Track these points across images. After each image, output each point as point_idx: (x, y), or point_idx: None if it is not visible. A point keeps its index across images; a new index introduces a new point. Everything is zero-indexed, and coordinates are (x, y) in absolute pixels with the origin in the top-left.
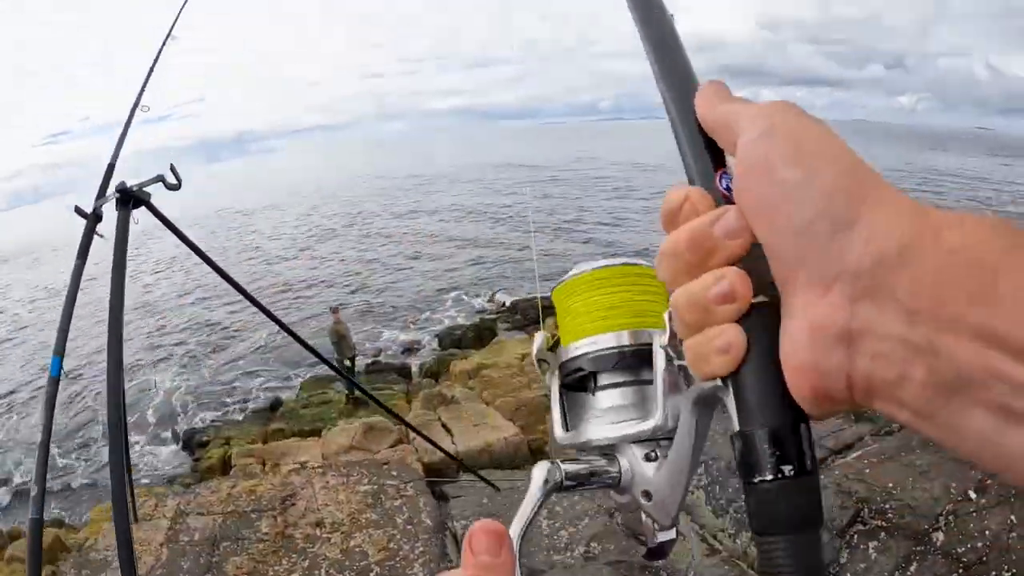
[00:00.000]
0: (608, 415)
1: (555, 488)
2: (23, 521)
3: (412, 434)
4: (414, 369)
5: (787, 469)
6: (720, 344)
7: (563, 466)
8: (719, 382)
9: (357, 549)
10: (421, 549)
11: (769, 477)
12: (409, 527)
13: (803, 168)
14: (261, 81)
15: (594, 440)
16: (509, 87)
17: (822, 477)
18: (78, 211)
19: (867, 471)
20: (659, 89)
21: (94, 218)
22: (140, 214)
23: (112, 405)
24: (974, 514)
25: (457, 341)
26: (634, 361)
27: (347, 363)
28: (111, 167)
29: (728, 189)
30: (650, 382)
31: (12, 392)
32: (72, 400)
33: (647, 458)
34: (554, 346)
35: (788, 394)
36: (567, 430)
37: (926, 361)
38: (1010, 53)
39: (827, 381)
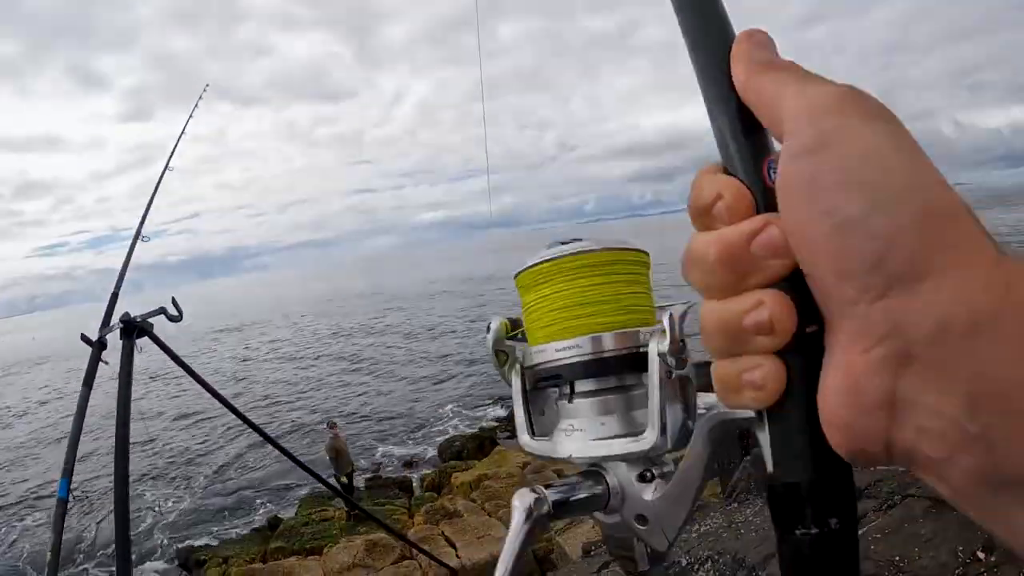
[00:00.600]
0: (592, 428)
1: (542, 520)
2: None
3: (415, 550)
4: (415, 483)
5: (833, 522)
6: (755, 378)
7: (548, 493)
8: (751, 413)
9: None
10: None
11: (814, 530)
12: None
13: (859, 201)
14: (252, 198)
15: (578, 458)
16: (493, 196)
17: None
18: (84, 339)
19: (872, 548)
20: (686, 45)
21: (99, 346)
22: (142, 342)
23: (119, 535)
24: (984, 574)
25: (458, 452)
26: (619, 362)
27: (344, 479)
28: (115, 296)
29: (772, 183)
30: (636, 386)
31: None
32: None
33: (642, 478)
34: (514, 335)
35: (827, 443)
36: (533, 435)
37: (981, 452)
38: (973, 108)
39: (863, 443)
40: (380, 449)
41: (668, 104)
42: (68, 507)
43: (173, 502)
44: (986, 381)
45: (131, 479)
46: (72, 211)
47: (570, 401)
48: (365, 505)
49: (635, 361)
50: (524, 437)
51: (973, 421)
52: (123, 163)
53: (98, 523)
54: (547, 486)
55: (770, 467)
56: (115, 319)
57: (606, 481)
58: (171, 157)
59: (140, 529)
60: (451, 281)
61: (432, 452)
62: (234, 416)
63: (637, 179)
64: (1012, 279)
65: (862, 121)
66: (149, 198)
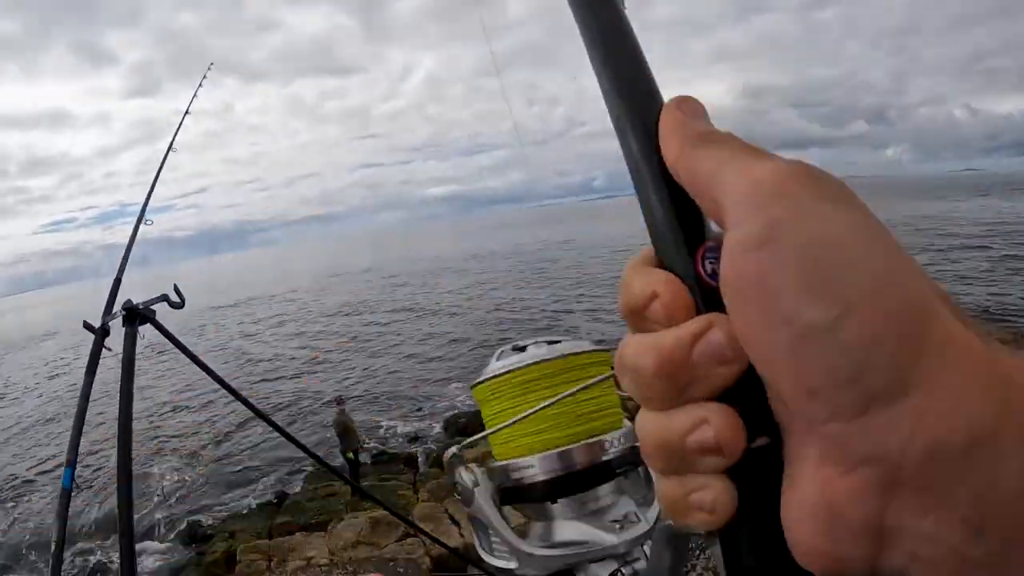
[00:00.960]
0: (569, 533)
1: None
2: None
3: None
4: (420, 458)
5: None
6: (703, 500)
7: None
8: (702, 532)
9: None
10: None
11: None
12: None
13: (825, 305)
14: (260, 173)
15: (553, 564)
16: (501, 172)
17: None
18: (86, 326)
19: None
20: (609, 113)
21: (102, 333)
22: (145, 329)
23: (123, 526)
24: None
25: (463, 429)
26: (589, 474)
27: (351, 455)
28: (117, 282)
29: (713, 275)
30: (600, 464)
31: None
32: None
33: None
34: (460, 454)
35: (791, 561)
36: (491, 552)
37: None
38: (985, 93)
39: (843, 568)
40: (385, 424)
41: (678, 83)
42: (72, 495)
43: (179, 478)
44: (990, 503)
45: (137, 456)
46: (79, 187)
47: (551, 519)
48: (371, 480)
49: (604, 471)
50: (500, 562)
51: (976, 547)
52: (130, 138)
53: (101, 503)
54: None
55: None
56: (118, 305)
57: None
58: (174, 138)
59: (145, 504)
60: (457, 258)
61: (437, 428)
62: (240, 402)
63: None
64: (1009, 381)
65: (816, 203)
66: (152, 180)
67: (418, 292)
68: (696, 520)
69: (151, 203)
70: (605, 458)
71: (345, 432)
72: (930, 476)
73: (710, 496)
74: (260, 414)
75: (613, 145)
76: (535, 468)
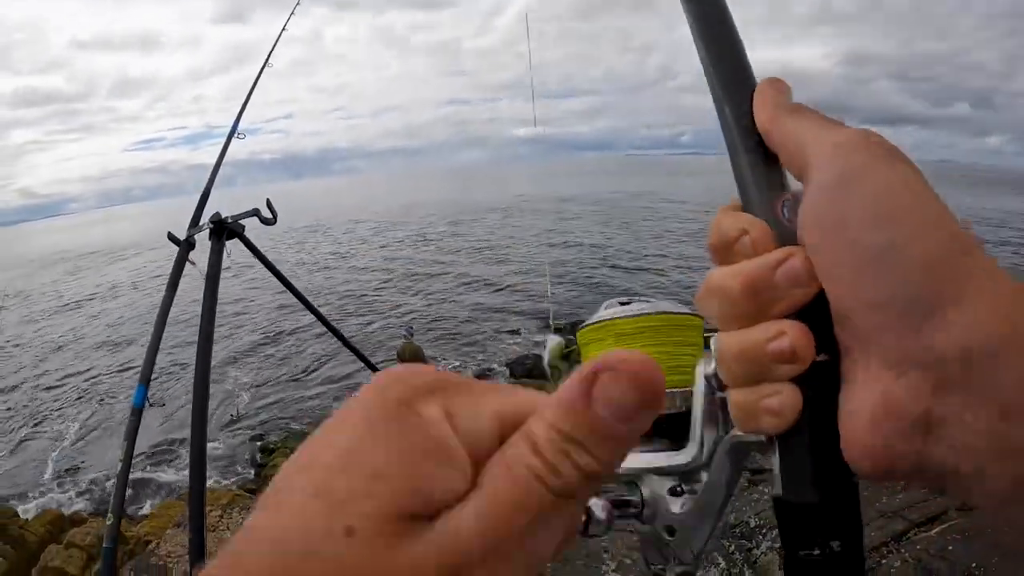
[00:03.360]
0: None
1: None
2: (81, 507)
3: None
4: None
5: (835, 544)
6: (773, 404)
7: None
8: (764, 438)
9: None
10: None
11: (816, 552)
12: None
13: (888, 233)
14: (344, 102)
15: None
16: (589, 118)
17: (903, 551)
18: (171, 238)
19: (950, 547)
20: (709, 87)
21: (187, 246)
22: (232, 244)
23: (196, 437)
24: None
25: (528, 371)
26: (669, 426)
27: None
28: (205, 195)
29: (790, 220)
30: (681, 413)
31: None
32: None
33: (672, 492)
34: (568, 354)
35: (842, 463)
36: None
37: (1013, 462)
38: None
39: (893, 463)
40: (451, 360)
41: (778, 41)
42: (143, 414)
43: (250, 396)
44: (1016, 394)
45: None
46: (168, 108)
47: None
48: None
49: (683, 420)
50: None
51: (1007, 430)
52: (219, 63)
53: (173, 419)
54: None
55: (779, 489)
56: (205, 218)
57: (639, 491)
58: (270, 54)
59: (214, 418)
60: (539, 199)
61: (503, 368)
62: (318, 320)
63: None
64: None
65: (884, 159)
66: (246, 95)
67: (499, 228)
68: (764, 423)
69: (242, 121)
70: (687, 407)
71: (413, 362)
72: (969, 370)
73: (778, 400)
74: (341, 337)
75: (704, 102)
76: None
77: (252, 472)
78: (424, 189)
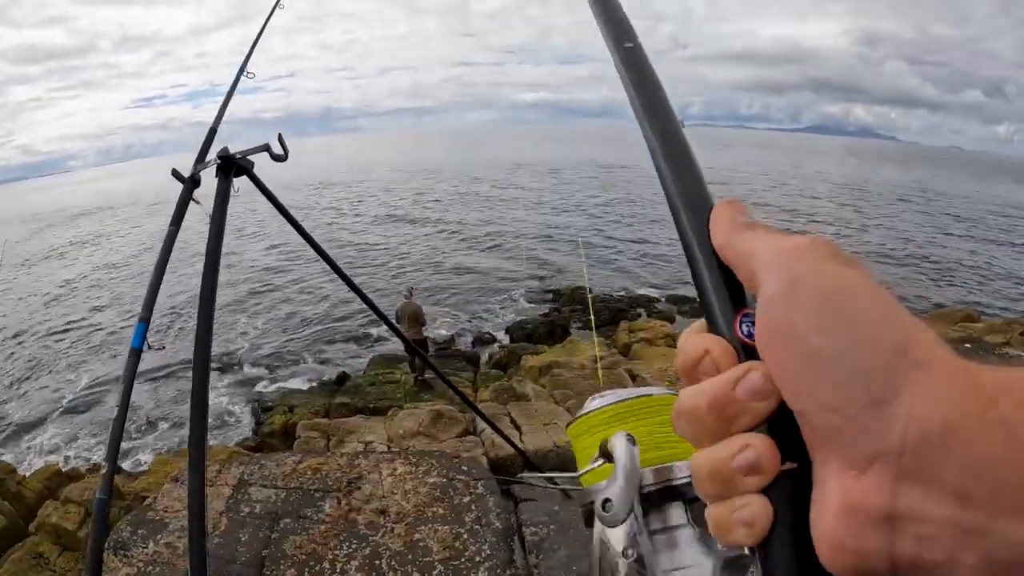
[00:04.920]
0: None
1: None
2: (75, 460)
3: (479, 426)
4: (483, 359)
5: None
6: (744, 517)
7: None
8: (745, 550)
9: (421, 544)
10: (488, 552)
11: None
12: (477, 527)
13: (834, 336)
14: (350, 61)
15: None
16: (596, 85)
17: None
18: (175, 175)
19: None
20: (671, 210)
21: (191, 183)
22: (239, 182)
23: (197, 383)
24: None
25: (528, 335)
26: (660, 499)
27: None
28: (213, 131)
29: (750, 335)
30: (679, 527)
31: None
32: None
33: None
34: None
35: (820, 568)
36: None
37: (979, 545)
38: None
39: (867, 561)
40: (450, 321)
41: (790, 15)
42: (142, 357)
43: (251, 342)
44: (970, 474)
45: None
46: (171, 64)
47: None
48: (430, 373)
49: (672, 492)
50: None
51: (964, 515)
52: (223, 19)
53: (173, 365)
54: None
55: None
56: (212, 154)
57: None
58: None
59: (214, 363)
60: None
61: (502, 332)
62: (326, 265)
63: (746, 88)
64: (972, 379)
65: (825, 263)
66: (258, 32)
67: (502, 190)
68: (738, 536)
69: (249, 65)
70: (675, 482)
71: (410, 320)
72: (922, 459)
73: (749, 512)
74: (353, 286)
75: (714, 73)
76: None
77: (251, 429)
78: (427, 147)
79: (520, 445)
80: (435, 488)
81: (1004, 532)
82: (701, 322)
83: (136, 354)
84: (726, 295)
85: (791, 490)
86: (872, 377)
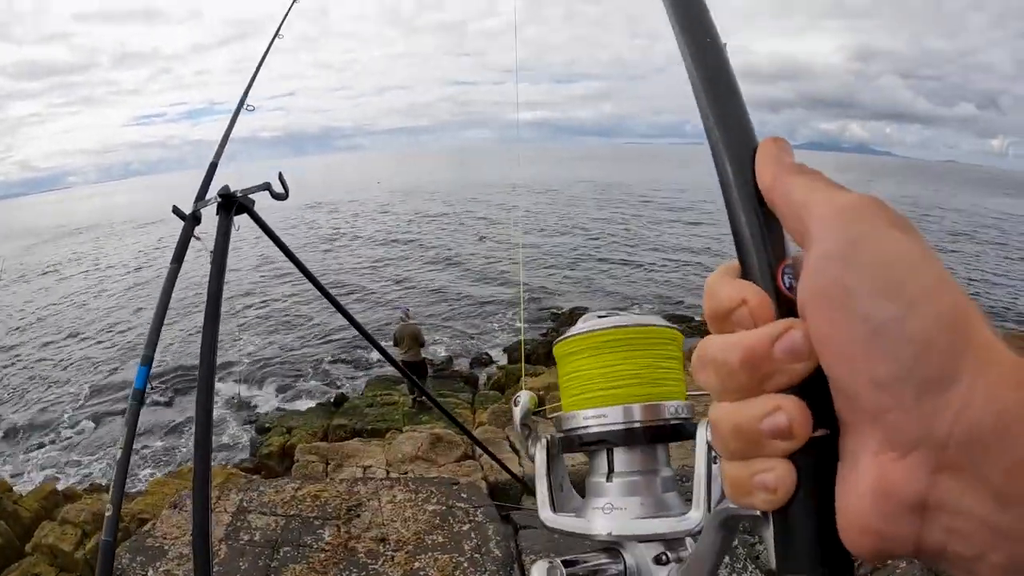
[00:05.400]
0: (631, 507)
1: None
2: (72, 478)
3: (478, 450)
4: (481, 380)
5: None
6: (767, 481)
7: (564, 569)
8: (758, 513)
9: (421, 572)
10: None
11: None
12: (477, 556)
13: (893, 307)
14: (349, 80)
15: (599, 535)
16: (593, 103)
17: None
18: (176, 212)
19: None
20: (710, 144)
21: (192, 220)
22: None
23: (201, 419)
24: None
25: (527, 356)
26: (647, 438)
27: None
28: (213, 167)
29: (791, 288)
30: (663, 470)
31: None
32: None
33: (657, 560)
34: (540, 411)
35: (838, 542)
36: (555, 510)
37: (1011, 548)
38: None
39: (891, 544)
40: (447, 342)
41: (786, 32)
42: (145, 397)
43: (250, 359)
44: (1015, 477)
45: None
46: (170, 82)
47: (608, 480)
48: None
49: (663, 432)
50: (547, 512)
51: (1002, 516)
52: (222, 37)
53: (175, 401)
54: (565, 562)
55: (774, 564)
56: (212, 192)
57: (623, 559)
58: (282, 24)
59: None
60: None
61: (499, 352)
62: (325, 298)
63: None
64: None
65: (888, 227)
66: (257, 65)
67: (499, 210)
68: (757, 500)
69: (247, 97)
70: (664, 419)
71: (408, 342)
72: (968, 457)
73: (773, 477)
74: (352, 320)
75: None
76: (598, 419)
77: (249, 451)
78: (424, 167)
79: (518, 471)
80: (435, 515)
81: None
82: (732, 264)
83: (139, 396)
84: (768, 242)
85: (818, 459)
86: (931, 357)
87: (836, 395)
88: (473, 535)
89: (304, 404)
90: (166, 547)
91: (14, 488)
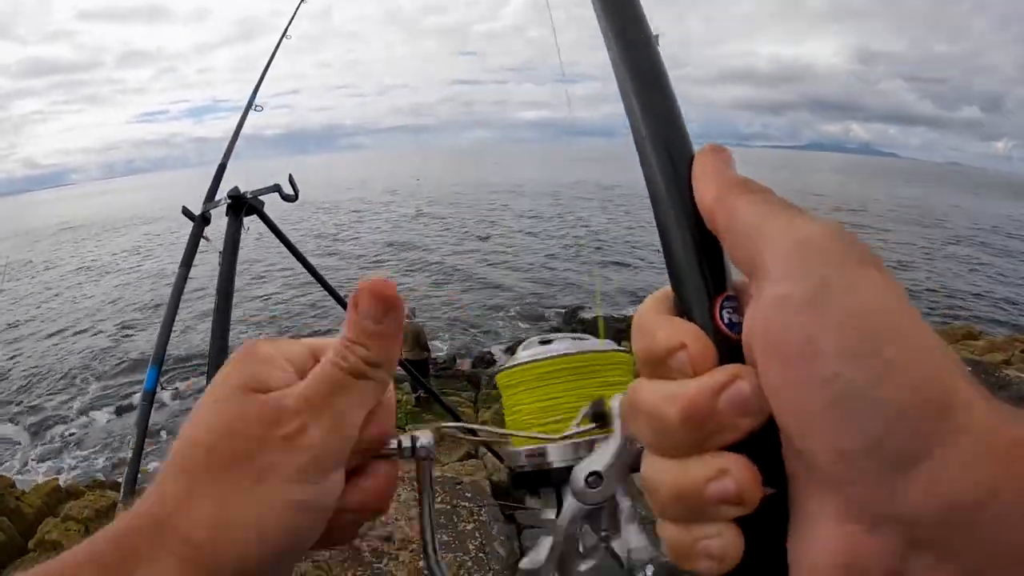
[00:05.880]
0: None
1: None
2: (75, 473)
3: (481, 448)
4: (484, 379)
5: None
6: (712, 548)
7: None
8: None
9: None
10: None
11: None
12: (481, 555)
13: (865, 372)
14: (352, 79)
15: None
16: (596, 103)
17: None
18: (186, 213)
19: None
20: (638, 153)
21: (202, 221)
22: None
23: None
24: None
25: None
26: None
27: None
28: (222, 168)
29: (732, 326)
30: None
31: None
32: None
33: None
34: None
35: None
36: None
37: None
38: None
39: None
40: (450, 341)
41: (789, 36)
42: (156, 398)
43: None
44: (991, 555)
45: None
46: (173, 80)
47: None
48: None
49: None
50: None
51: None
52: (226, 36)
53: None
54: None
55: None
56: (221, 193)
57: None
58: (289, 24)
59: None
60: (540, 184)
61: (502, 351)
62: (331, 297)
63: (745, 107)
64: (1013, 447)
65: (859, 267)
66: (265, 65)
67: (502, 211)
68: (702, 567)
69: (253, 95)
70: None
71: (412, 340)
72: (942, 533)
73: (719, 544)
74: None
75: (714, 93)
76: (546, 456)
77: None
78: (427, 165)
79: None
80: (439, 515)
81: None
82: (665, 293)
83: (149, 397)
84: (707, 271)
85: (768, 520)
86: (902, 431)
87: (788, 452)
88: (477, 534)
89: None
90: None
91: (16, 484)
